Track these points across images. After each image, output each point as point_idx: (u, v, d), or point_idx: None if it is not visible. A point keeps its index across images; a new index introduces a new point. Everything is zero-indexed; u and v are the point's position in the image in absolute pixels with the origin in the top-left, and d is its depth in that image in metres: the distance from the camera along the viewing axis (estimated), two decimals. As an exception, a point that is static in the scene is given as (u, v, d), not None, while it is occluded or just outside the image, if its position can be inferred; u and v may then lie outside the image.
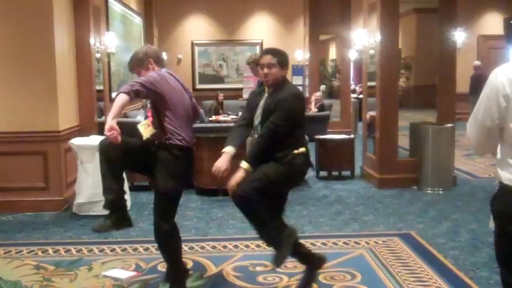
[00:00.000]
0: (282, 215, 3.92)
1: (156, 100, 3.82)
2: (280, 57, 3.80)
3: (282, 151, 3.69)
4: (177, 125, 3.82)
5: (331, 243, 5.23)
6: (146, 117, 4.07)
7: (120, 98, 3.58)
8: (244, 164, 3.64)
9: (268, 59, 3.78)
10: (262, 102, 3.83)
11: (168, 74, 3.90)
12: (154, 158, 3.86)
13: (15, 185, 6.43)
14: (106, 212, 5.89)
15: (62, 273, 4.56)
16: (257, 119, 3.83)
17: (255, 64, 6.83)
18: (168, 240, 3.94)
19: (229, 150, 3.76)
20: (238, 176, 3.61)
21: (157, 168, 3.84)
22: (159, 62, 4.02)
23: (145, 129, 3.94)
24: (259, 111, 3.82)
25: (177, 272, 4.06)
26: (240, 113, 8.83)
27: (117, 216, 3.85)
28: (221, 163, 3.73)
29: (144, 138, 3.92)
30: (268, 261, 4.27)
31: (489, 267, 4.48)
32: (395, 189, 7.36)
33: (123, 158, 3.75)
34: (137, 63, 3.98)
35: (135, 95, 3.66)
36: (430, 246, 5.09)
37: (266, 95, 3.84)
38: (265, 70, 3.76)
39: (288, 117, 3.70)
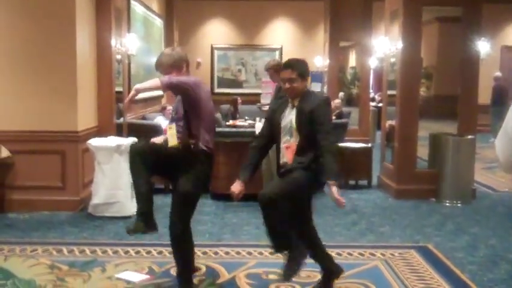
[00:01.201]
0: (309, 225, 4.10)
1: (190, 104, 3.92)
2: (300, 70, 3.84)
3: (306, 156, 3.79)
4: (205, 131, 3.94)
5: (346, 253, 5.17)
6: (173, 121, 4.06)
7: (154, 82, 3.87)
8: (330, 181, 3.77)
9: (288, 73, 3.82)
10: (289, 113, 3.88)
11: (201, 82, 4.02)
12: (177, 161, 3.94)
13: (32, 183, 6.45)
14: (120, 214, 5.94)
15: (76, 273, 4.56)
16: (287, 130, 3.88)
17: (273, 70, 6.83)
18: (182, 243, 4.01)
19: (243, 180, 4.01)
20: (334, 191, 3.78)
21: (180, 172, 3.93)
22: (188, 69, 4.16)
23: (173, 137, 3.99)
24: (287, 122, 3.88)
25: (187, 274, 4.09)
26: (257, 119, 8.83)
27: (148, 220, 3.92)
28: (235, 188, 3.99)
29: (169, 145, 3.99)
30: (281, 268, 4.22)
31: (508, 284, 4.40)
32: (412, 201, 7.28)
33: (153, 160, 3.89)
34: (172, 64, 4.04)
35: (170, 87, 3.89)
36: (448, 260, 5.01)
37: (291, 105, 3.90)
38: (287, 85, 3.82)
39: (329, 125, 3.80)
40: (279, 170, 3.98)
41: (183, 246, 4.04)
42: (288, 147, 3.87)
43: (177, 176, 3.96)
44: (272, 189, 3.77)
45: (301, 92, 3.85)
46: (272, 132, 3.98)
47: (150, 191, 3.96)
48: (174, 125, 4.02)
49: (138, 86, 3.90)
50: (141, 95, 9.82)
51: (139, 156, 3.87)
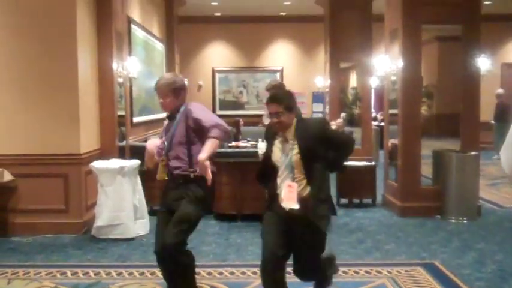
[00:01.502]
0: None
1: (201, 134, 3.91)
2: (286, 102, 3.69)
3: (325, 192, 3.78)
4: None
5: (352, 271, 5.12)
6: (163, 151, 4.02)
7: (215, 143, 3.83)
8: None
9: (274, 107, 3.67)
10: (283, 147, 3.73)
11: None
12: (178, 195, 3.93)
13: (35, 206, 6.44)
14: (123, 236, 5.92)
15: (80, 296, 4.52)
16: (285, 167, 3.70)
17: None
18: (182, 263, 3.92)
19: None
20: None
21: (180, 198, 3.92)
22: (185, 96, 4.14)
23: (163, 170, 4.00)
24: (286, 158, 3.70)
25: None
26: (259, 139, 8.80)
27: None
28: None
29: (158, 178, 4.02)
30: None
31: (517, 299, 4.34)
32: (417, 218, 7.23)
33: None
34: (173, 90, 3.98)
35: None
36: (455, 277, 4.96)
37: (281, 139, 3.75)
38: (275, 119, 3.68)
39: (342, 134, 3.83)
40: (276, 208, 3.74)
41: (187, 271, 3.99)
42: (291, 186, 3.65)
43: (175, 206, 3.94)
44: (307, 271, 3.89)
45: (290, 125, 3.70)
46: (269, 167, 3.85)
47: None
48: (165, 159, 3.99)
49: (204, 156, 3.77)
50: (142, 118, 9.84)
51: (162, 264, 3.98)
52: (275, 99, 3.74)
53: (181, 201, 3.89)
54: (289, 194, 3.62)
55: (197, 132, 3.92)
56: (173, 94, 3.98)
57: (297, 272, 3.89)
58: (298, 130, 3.69)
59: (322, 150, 3.64)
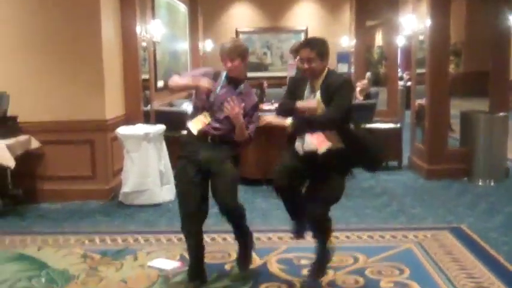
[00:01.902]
0: None
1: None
2: (319, 49, 3.68)
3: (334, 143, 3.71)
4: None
5: (378, 236, 5.11)
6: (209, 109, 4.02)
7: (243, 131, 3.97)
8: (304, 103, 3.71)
9: (307, 52, 3.67)
10: (310, 94, 3.77)
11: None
12: (211, 162, 3.95)
13: (63, 173, 6.52)
14: (150, 202, 5.98)
15: (108, 262, 4.59)
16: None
17: (297, 53, 6.79)
18: (243, 215, 4.11)
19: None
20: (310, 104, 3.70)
21: (220, 167, 3.94)
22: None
23: (199, 124, 3.98)
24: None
25: (251, 240, 4.29)
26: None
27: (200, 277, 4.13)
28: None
29: (192, 128, 3.99)
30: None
31: (545, 264, 4.30)
32: (444, 181, 7.16)
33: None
34: (240, 52, 4.01)
35: None
36: (482, 241, 4.92)
37: (310, 86, 3.78)
38: (306, 65, 3.68)
39: (343, 103, 3.66)
40: (298, 154, 3.84)
41: (244, 220, 4.16)
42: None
43: (215, 171, 3.97)
44: (317, 207, 3.78)
45: (321, 72, 3.71)
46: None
47: (202, 250, 4.13)
48: (207, 114, 3.98)
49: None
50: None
51: (191, 229, 4.04)
52: (308, 44, 3.74)
53: (221, 162, 3.93)
54: (312, 139, 3.71)
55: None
56: (240, 57, 4.00)
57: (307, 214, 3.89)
58: (325, 80, 3.70)
59: None
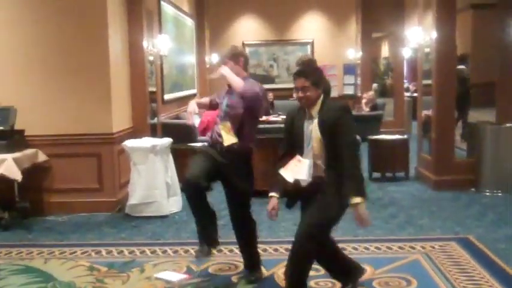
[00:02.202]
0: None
1: (253, 110, 4.17)
2: (313, 78, 3.61)
3: (332, 172, 3.59)
4: (253, 131, 4.25)
5: (385, 247, 5.09)
6: (225, 118, 4.21)
7: (239, 81, 4.14)
8: (358, 199, 3.42)
9: (301, 82, 3.60)
10: (308, 123, 3.64)
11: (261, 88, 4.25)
12: (225, 166, 4.13)
13: (70, 186, 6.55)
14: (157, 214, 6.01)
15: (115, 274, 4.59)
16: (308, 142, 3.63)
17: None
18: (254, 228, 4.36)
19: (273, 194, 3.75)
20: (363, 213, 3.45)
21: (231, 172, 4.14)
22: (247, 67, 4.35)
23: (228, 135, 4.14)
24: (308, 134, 3.63)
25: (258, 256, 4.43)
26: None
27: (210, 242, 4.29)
28: (271, 207, 3.75)
29: (225, 144, 4.14)
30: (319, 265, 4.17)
31: (554, 275, 4.26)
32: (451, 192, 7.13)
33: (208, 187, 4.16)
34: (230, 55, 4.26)
35: (243, 95, 4.14)
36: (490, 252, 4.88)
37: (307, 115, 3.65)
38: (301, 94, 3.60)
39: (352, 136, 3.62)
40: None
41: (255, 231, 4.39)
42: (299, 161, 3.63)
43: (229, 176, 4.17)
44: (309, 227, 3.53)
45: (316, 100, 3.62)
46: (293, 143, 3.73)
47: (213, 220, 4.26)
48: (227, 125, 4.14)
49: (226, 71, 4.16)
50: (173, 95, 9.86)
51: (196, 193, 4.09)
52: (302, 73, 3.69)
53: (234, 173, 4.14)
54: (295, 168, 3.63)
55: (252, 109, 4.16)
56: (232, 60, 4.26)
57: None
58: (322, 109, 3.62)
59: (336, 137, 3.53)
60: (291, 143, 3.74)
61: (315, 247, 3.56)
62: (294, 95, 3.69)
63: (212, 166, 4.13)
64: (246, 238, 4.39)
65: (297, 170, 3.62)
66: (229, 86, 4.23)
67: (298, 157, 3.64)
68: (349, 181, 3.45)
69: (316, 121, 3.61)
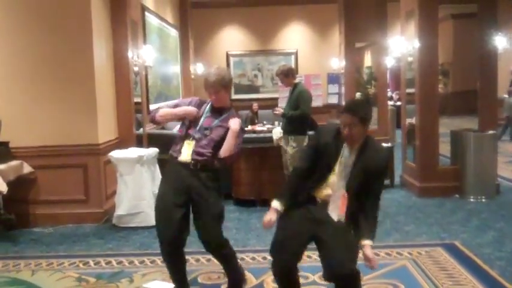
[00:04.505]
0: None
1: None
2: (362, 115, 3.34)
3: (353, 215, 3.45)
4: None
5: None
6: (196, 135, 4.03)
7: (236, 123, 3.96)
8: (370, 242, 3.36)
9: (349, 119, 3.33)
10: (344, 160, 3.42)
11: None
12: (194, 188, 3.95)
13: (56, 197, 6.52)
14: (144, 224, 5.98)
15: (103, 285, 4.58)
16: (342, 176, 3.42)
17: (282, 75, 7.00)
18: (231, 253, 4.18)
19: (276, 206, 3.51)
20: (370, 253, 3.35)
21: (203, 195, 3.94)
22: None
23: (189, 152, 3.97)
24: (341, 170, 3.42)
25: (241, 278, 4.28)
26: (276, 123, 8.78)
27: None
28: (269, 218, 3.52)
29: (180, 159, 3.97)
30: (308, 272, 4.20)
31: (538, 278, 4.33)
32: (436, 198, 7.22)
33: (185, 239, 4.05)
34: (224, 84, 4.00)
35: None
36: (475, 257, 4.96)
37: (348, 152, 3.43)
38: (346, 131, 3.34)
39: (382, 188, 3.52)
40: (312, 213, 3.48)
41: (233, 256, 4.20)
42: (344, 196, 3.40)
43: (199, 200, 3.96)
44: (345, 263, 3.32)
45: (360, 138, 3.40)
46: (314, 167, 3.50)
47: (184, 272, 4.18)
48: (193, 142, 3.98)
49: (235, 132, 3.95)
50: (158, 105, 9.91)
51: (174, 255, 4.06)
52: (350, 108, 3.41)
53: (204, 191, 3.92)
54: (342, 206, 3.40)
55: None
56: (224, 89, 4.01)
57: (335, 274, 3.39)
58: (364, 149, 3.41)
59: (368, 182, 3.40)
60: (314, 162, 3.50)
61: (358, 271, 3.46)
62: (342, 132, 3.39)
63: (183, 206, 3.96)
64: (224, 261, 4.22)
65: (343, 208, 3.41)
66: (216, 108, 4.05)
67: (345, 194, 3.40)
68: (367, 224, 3.39)
69: (354, 159, 3.41)
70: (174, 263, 4.10)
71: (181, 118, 4.09)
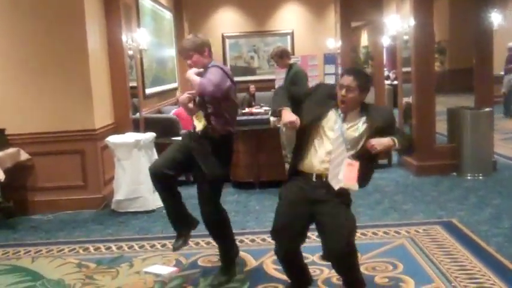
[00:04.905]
0: None
1: (219, 98, 3.96)
2: (362, 82, 3.36)
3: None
4: (231, 113, 4.07)
5: (371, 233, 5.16)
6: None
7: (197, 81, 3.91)
8: (394, 140, 3.35)
9: (348, 80, 3.34)
10: (340, 128, 3.40)
11: (224, 68, 4.07)
12: (195, 149, 4.04)
13: (54, 184, 6.52)
14: (143, 209, 5.98)
15: (104, 270, 4.60)
16: (348, 142, 3.39)
17: (277, 57, 7.11)
18: (223, 227, 4.22)
19: (286, 108, 3.42)
20: (386, 140, 3.33)
21: (200, 155, 4.02)
22: (211, 53, 4.19)
23: (200, 123, 4.05)
24: (337, 136, 3.39)
25: (231, 256, 4.29)
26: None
27: (185, 231, 4.25)
28: (290, 116, 3.36)
29: (197, 130, 4.06)
30: (307, 253, 4.22)
31: (535, 254, 4.36)
32: (434, 176, 7.24)
33: (176, 177, 4.12)
34: (194, 48, 4.08)
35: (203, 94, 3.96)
36: (473, 234, 4.99)
37: (340, 115, 3.42)
38: (343, 92, 3.34)
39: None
40: (313, 182, 3.49)
41: (224, 230, 4.25)
42: (351, 165, 3.36)
43: (197, 161, 4.03)
44: (342, 242, 3.31)
45: (355, 106, 3.40)
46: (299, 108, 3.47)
47: (181, 207, 4.21)
48: (200, 113, 4.05)
49: (189, 76, 4.01)
50: (155, 89, 9.84)
51: (162, 181, 4.06)
52: (353, 72, 3.43)
53: (204, 156, 4.00)
54: (350, 174, 3.34)
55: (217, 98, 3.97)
56: (197, 52, 4.07)
57: (329, 252, 3.40)
58: (369, 111, 3.42)
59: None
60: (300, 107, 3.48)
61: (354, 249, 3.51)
62: (338, 94, 3.40)
63: (183, 155, 4.07)
64: (215, 231, 4.24)
65: (350, 177, 3.37)
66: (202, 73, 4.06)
67: (348, 160, 3.37)
68: (400, 136, 3.43)
69: (362, 126, 3.41)
70: (163, 195, 4.19)
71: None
